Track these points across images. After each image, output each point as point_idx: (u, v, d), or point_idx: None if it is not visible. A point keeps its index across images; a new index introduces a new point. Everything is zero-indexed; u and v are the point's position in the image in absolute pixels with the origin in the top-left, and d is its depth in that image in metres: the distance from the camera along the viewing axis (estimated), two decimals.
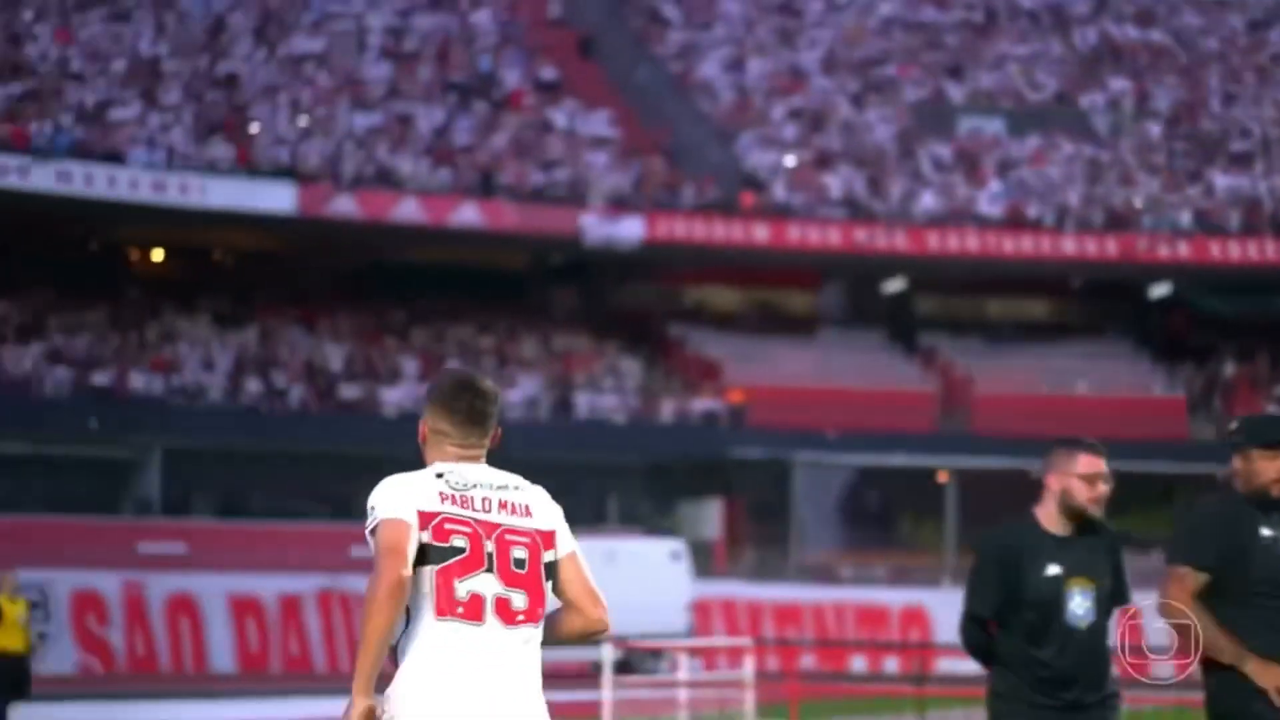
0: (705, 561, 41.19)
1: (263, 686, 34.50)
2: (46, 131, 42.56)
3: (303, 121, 45.70)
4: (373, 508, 5.73)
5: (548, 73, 51.58)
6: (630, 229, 45.21)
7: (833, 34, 53.62)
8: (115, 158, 42.74)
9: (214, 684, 35.71)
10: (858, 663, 39.19)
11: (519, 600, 5.56)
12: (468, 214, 44.54)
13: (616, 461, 45.86)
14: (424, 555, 5.55)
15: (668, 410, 46.18)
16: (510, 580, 5.57)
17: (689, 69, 51.92)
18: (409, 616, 5.55)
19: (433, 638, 5.48)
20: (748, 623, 39.52)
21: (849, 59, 53.01)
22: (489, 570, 5.55)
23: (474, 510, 5.62)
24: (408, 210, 44.28)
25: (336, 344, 46.12)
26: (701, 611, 38.57)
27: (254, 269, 50.08)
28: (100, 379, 42.61)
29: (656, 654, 33.14)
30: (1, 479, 42.15)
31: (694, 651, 33.27)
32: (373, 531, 5.66)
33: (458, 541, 5.56)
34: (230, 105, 45.84)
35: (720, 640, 35.24)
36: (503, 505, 5.68)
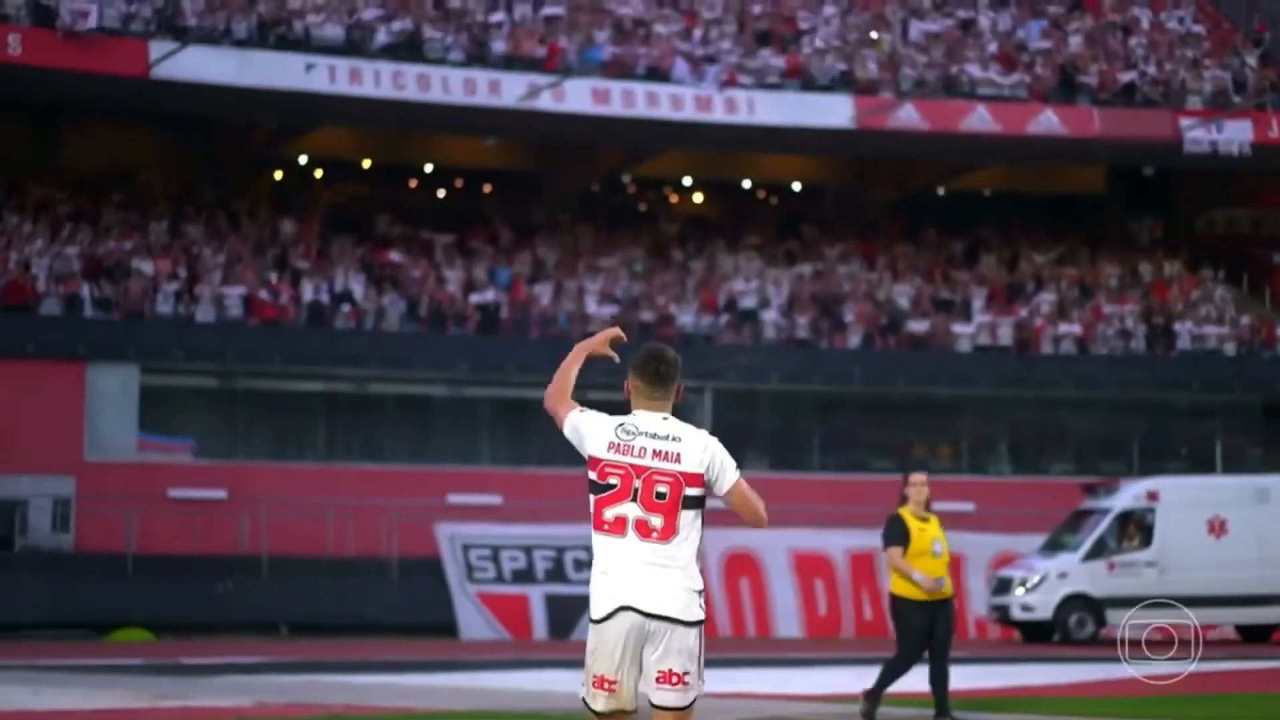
0: None
1: (833, 654, 27.77)
2: (578, 47, 36.93)
3: (862, 31, 39.07)
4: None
5: None
6: (1237, 132, 37.22)
7: None
8: (656, 75, 36.86)
9: (778, 650, 29.17)
10: None
11: (656, 521, 7.22)
12: (1046, 121, 37.19)
13: (1224, 399, 37.90)
14: (591, 487, 7.31)
15: None
16: (650, 508, 7.21)
17: None
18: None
19: (596, 545, 7.29)
20: None
21: None
22: (633, 500, 7.22)
23: (632, 456, 7.24)
24: (978, 120, 37.23)
25: (898, 276, 39.38)
26: None
27: (803, 200, 43.90)
28: (645, 317, 36.81)
29: None
30: (543, 426, 36.72)
31: None
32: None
33: (611, 480, 7.24)
34: (777, 17, 39.53)
35: None
36: (656, 453, 7.24)
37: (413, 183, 42.30)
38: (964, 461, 37.82)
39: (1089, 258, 41.21)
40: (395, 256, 37.31)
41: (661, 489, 7.17)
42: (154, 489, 33.04)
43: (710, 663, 7.24)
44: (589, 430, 7.31)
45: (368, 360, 35.40)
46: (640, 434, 7.24)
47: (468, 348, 36.01)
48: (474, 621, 31.83)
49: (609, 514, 7.20)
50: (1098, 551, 29.55)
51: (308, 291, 35.68)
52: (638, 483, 7.17)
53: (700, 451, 7.24)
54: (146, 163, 39.76)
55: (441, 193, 42.36)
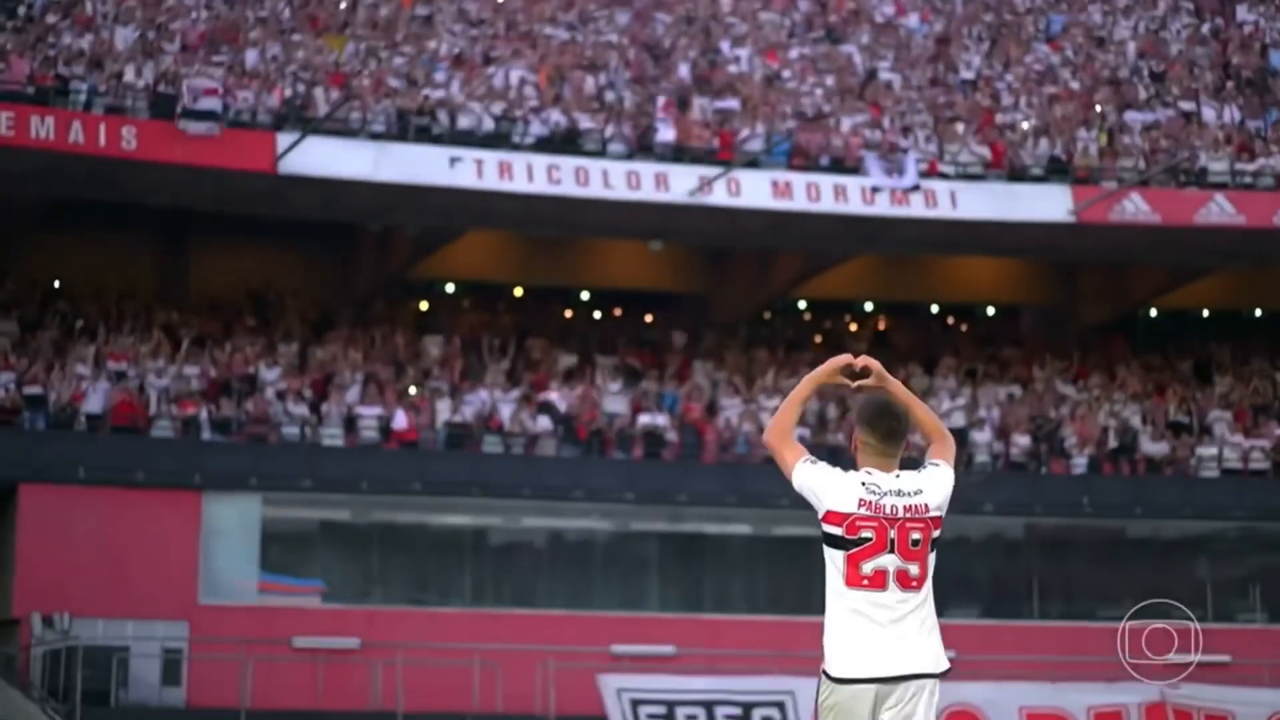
0: None
1: None
2: (759, 137, 32.02)
3: (1074, 117, 33.88)
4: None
5: None
6: None
7: None
8: (842, 168, 31.83)
9: None
10: None
11: (914, 569, 7.04)
12: None
13: None
14: (837, 543, 7.08)
15: None
16: (908, 556, 7.03)
17: None
18: (827, 590, 7.13)
19: (848, 601, 7.05)
20: None
21: None
22: (891, 551, 7.03)
23: (884, 514, 7.05)
24: (1216, 210, 31.76)
25: (1121, 397, 33.78)
26: None
27: (997, 324, 38.57)
28: (834, 440, 31.45)
29: None
30: (720, 565, 31.36)
31: None
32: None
33: (865, 534, 7.04)
34: (970, 108, 34.46)
35: None
36: (907, 509, 7.07)
37: (568, 312, 37.47)
38: (1208, 607, 31.84)
39: None
40: (550, 378, 32.37)
41: (916, 536, 7.06)
42: (277, 636, 28.10)
43: None
44: (831, 486, 7.16)
45: (520, 490, 30.29)
46: (886, 493, 7.11)
47: (633, 476, 30.85)
48: None
49: (867, 568, 7.05)
50: None
51: (451, 412, 30.72)
52: (893, 533, 7.05)
53: (941, 496, 7.19)
54: (280, 287, 35.25)
55: (598, 314, 37.47)
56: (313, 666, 27.86)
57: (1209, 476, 31.64)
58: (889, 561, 6.99)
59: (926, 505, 7.08)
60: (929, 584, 7.04)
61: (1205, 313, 38.73)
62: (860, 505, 7.03)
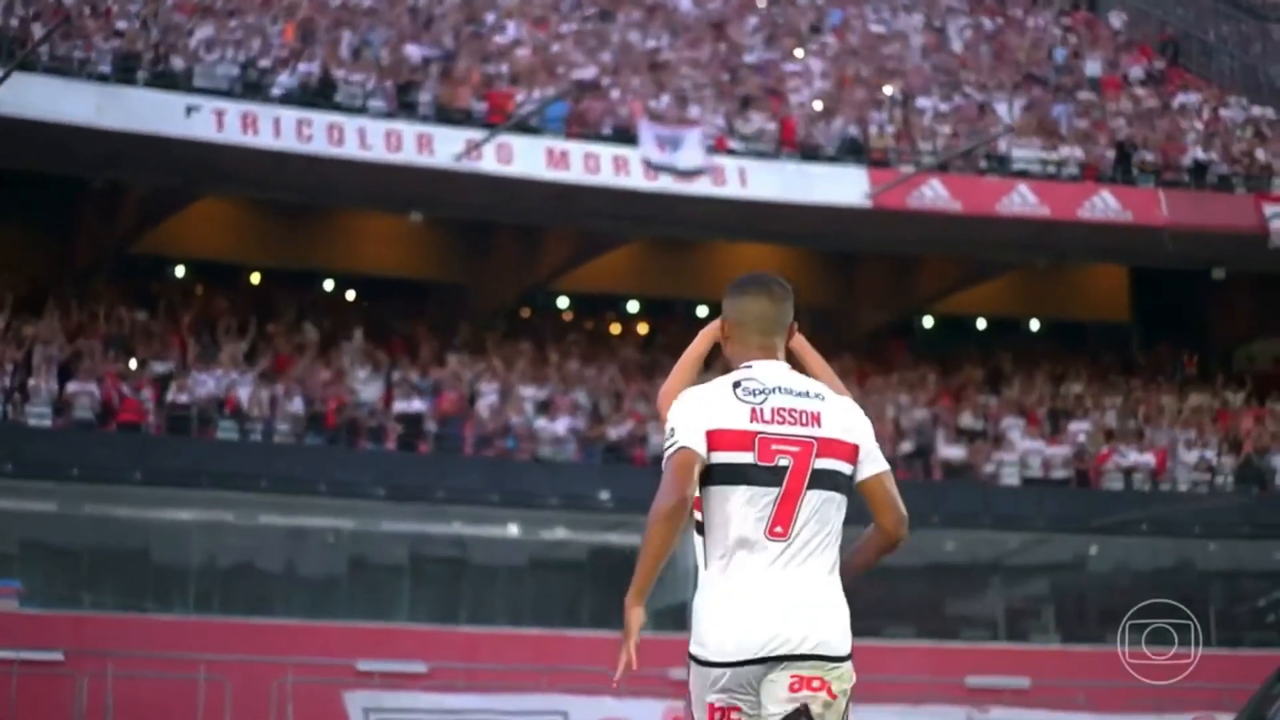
0: None
1: None
2: (533, 101, 28.45)
3: (866, 98, 30.94)
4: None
5: (1134, 71, 36.21)
6: None
7: None
8: (623, 137, 28.41)
9: None
10: None
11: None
12: (1103, 205, 29.05)
13: None
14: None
15: None
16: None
17: None
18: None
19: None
20: None
21: None
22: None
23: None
24: (1019, 200, 29.02)
25: (909, 401, 30.85)
26: None
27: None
28: (613, 435, 27.93)
29: None
30: (479, 574, 27.56)
31: None
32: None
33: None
34: (759, 86, 31.36)
35: None
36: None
37: (312, 299, 33.43)
38: (999, 627, 29.05)
39: (1125, 386, 32.99)
40: (293, 356, 28.35)
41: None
42: None
43: None
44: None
45: (256, 482, 26.15)
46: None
47: (385, 469, 26.92)
48: None
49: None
50: None
51: (178, 392, 26.48)
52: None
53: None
54: None
55: (351, 294, 33.50)
56: (5, 679, 23.39)
57: (1009, 485, 28.80)
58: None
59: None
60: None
61: (983, 322, 36.26)
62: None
